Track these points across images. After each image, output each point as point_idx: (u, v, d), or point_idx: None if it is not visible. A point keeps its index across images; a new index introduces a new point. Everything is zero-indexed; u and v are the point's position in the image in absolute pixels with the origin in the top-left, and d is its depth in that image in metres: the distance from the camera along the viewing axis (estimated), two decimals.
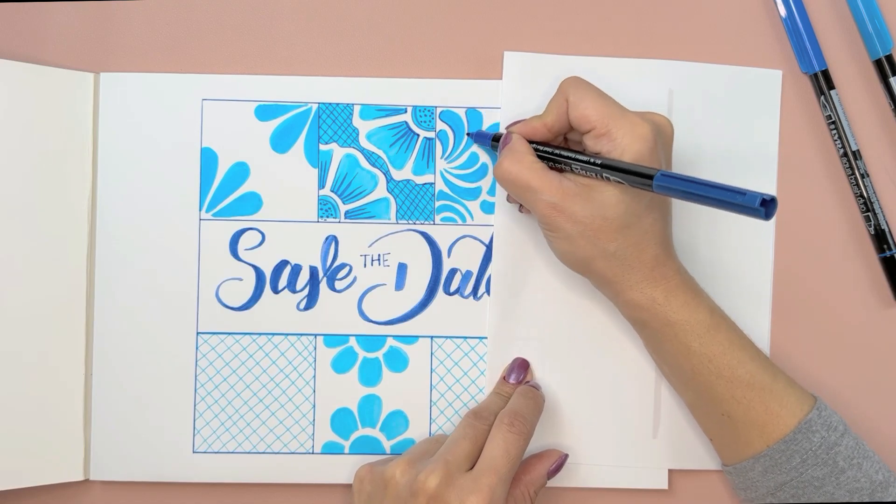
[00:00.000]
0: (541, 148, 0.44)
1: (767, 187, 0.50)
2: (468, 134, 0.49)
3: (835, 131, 0.49)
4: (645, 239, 0.42)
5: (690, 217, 0.49)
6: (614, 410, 0.49)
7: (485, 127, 0.49)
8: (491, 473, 0.41)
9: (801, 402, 0.43)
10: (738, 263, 0.49)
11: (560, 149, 0.44)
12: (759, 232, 0.50)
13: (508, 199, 0.49)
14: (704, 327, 0.43)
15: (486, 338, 0.49)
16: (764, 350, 0.48)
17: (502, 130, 0.48)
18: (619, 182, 0.40)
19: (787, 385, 0.44)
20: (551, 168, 0.44)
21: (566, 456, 0.47)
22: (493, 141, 0.47)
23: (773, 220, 0.50)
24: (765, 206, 0.34)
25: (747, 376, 0.43)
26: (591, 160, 0.41)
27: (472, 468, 0.42)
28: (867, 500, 0.42)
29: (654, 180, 0.38)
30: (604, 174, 0.41)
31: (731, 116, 0.50)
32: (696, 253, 0.49)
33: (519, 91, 0.49)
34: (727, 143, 0.49)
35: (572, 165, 0.43)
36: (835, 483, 0.42)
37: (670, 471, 0.49)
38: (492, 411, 0.45)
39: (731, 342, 0.43)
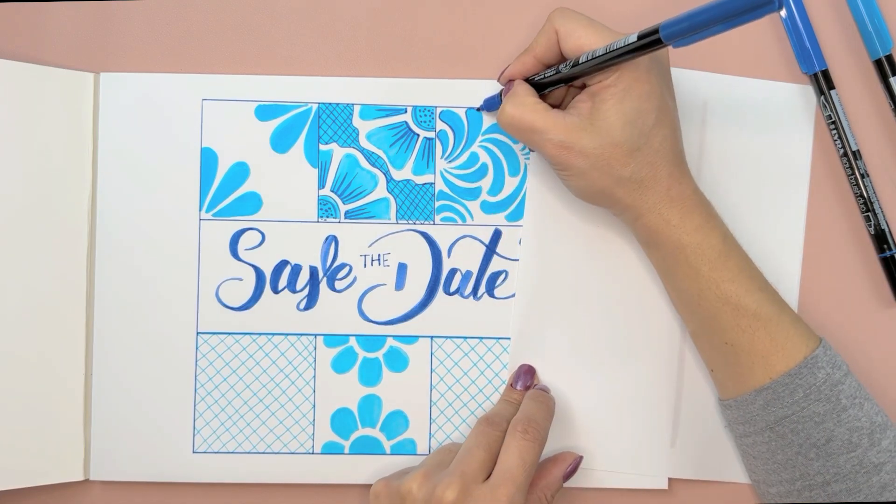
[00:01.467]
0: (544, 75, 0.44)
1: (799, 202, 0.50)
2: (478, 108, 0.49)
3: (835, 131, 0.49)
4: (658, 158, 0.42)
5: None
6: (634, 416, 0.49)
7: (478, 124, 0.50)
8: (508, 483, 0.41)
9: (806, 338, 0.43)
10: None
11: (560, 66, 0.43)
12: (786, 238, 0.49)
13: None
14: (716, 252, 0.43)
15: (485, 338, 0.49)
16: None
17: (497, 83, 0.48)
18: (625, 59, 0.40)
19: (793, 320, 0.43)
20: (555, 107, 0.43)
21: (581, 458, 0.47)
22: (501, 98, 0.47)
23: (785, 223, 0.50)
24: None
25: (754, 305, 0.42)
26: (595, 59, 0.41)
27: (488, 477, 0.42)
28: (866, 439, 0.42)
29: (661, 32, 0.37)
30: (613, 62, 0.40)
31: (765, 131, 0.49)
32: None
33: None
34: (759, 158, 0.49)
35: (581, 72, 0.42)
36: (835, 420, 0.42)
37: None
38: (503, 417, 0.45)
39: (740, 269, 0.43)
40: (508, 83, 0.46)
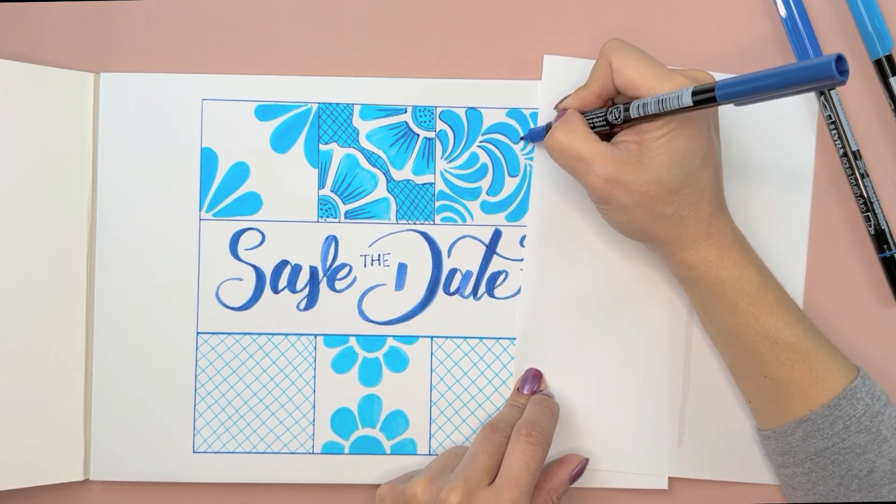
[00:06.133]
0: (593, 123, 0.44)
1: (803, 202, 0.50)
2: (522, 138, 0.49)
3: (835, 131, 0.49)
4: (700, 197, 0.42)
5: None
6: (639, 416, 0.49)
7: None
8: (512, 487, 0.41)
9: (845, 369, 0.43)
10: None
11: (609, 115, 0.43)
12: (792, 239, 0.49)
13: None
14: (754, 287, 0.43)
15: (485, 338, 0.49)
16: None
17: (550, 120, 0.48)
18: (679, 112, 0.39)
19: (831, 351, 0.44)
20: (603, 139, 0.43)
21: (587, 460, 0.47)
22: (546, 130, 0.47)
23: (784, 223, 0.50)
24: (839, 65, 0.31)
25: (793, 339, 0.43)
26: (647, 115, 0.41)
27: (492, 482, 0.42)
28: None
29: (717, 92, 0.37)
30: (665, 113, 0.40)
31: (766, 131, 0.49)
32: None
33: (557, 93, 0.48)
34: (761, 159, 0.49)
35: (631, 116, 0.41)
36: (877, 451, 0.42)
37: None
38: (508, 423, 0.45)
39: (778, 304, 0.43)
40: (561, 111, 0.45)
